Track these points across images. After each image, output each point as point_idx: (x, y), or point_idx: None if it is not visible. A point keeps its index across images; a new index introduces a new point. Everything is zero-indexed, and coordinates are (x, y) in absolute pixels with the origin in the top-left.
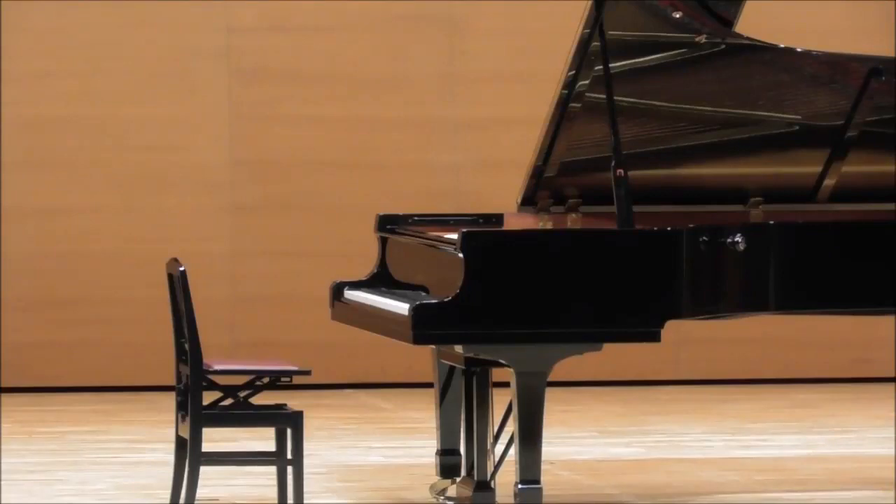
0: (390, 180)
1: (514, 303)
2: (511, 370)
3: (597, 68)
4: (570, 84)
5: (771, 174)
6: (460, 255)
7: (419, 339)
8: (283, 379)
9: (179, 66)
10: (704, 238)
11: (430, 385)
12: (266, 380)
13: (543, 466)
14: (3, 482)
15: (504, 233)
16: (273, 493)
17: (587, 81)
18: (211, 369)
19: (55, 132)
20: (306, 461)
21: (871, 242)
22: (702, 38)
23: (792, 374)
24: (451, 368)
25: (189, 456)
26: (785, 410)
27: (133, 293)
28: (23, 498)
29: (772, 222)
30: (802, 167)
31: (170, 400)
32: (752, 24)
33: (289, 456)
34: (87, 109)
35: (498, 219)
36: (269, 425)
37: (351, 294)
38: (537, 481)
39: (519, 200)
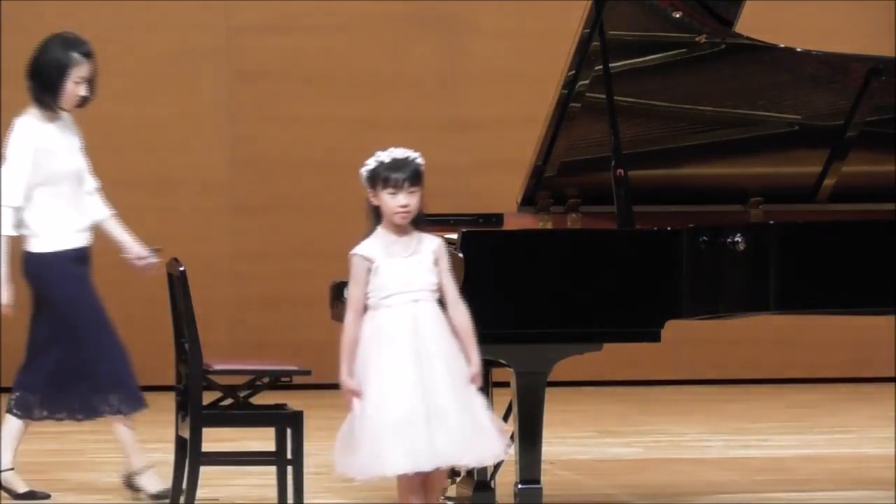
0: None
1: (514, 303)
2: (511, 370)
3: (597, 68)
4: (570, 84)
5: (771, 174)
6: (460, 255)
7: None
8: (283, 379)
9: (179, 66)
10: (704, 238)
11: None
12: (266, 380)
13: (543, 466)
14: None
15: (504, 233)
16: (273, 493)
17: (587, 81)
18: (211, 369)
19: None
20: (306, 461)
21: (871, 242)
22: (702, 38)
23: (792, 374)
24: None
25: (189, 456)
26: (785, 410)
27: (133, 293)
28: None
29: (772, 222)
30: (802, 167)
31: (170, 400)
32: (752, 24)
33: (289, 456)
34: (88, 109)
35: (498, 219)
36: (269, 425)
37: None
38: (537, 481)
39: (519, 200)
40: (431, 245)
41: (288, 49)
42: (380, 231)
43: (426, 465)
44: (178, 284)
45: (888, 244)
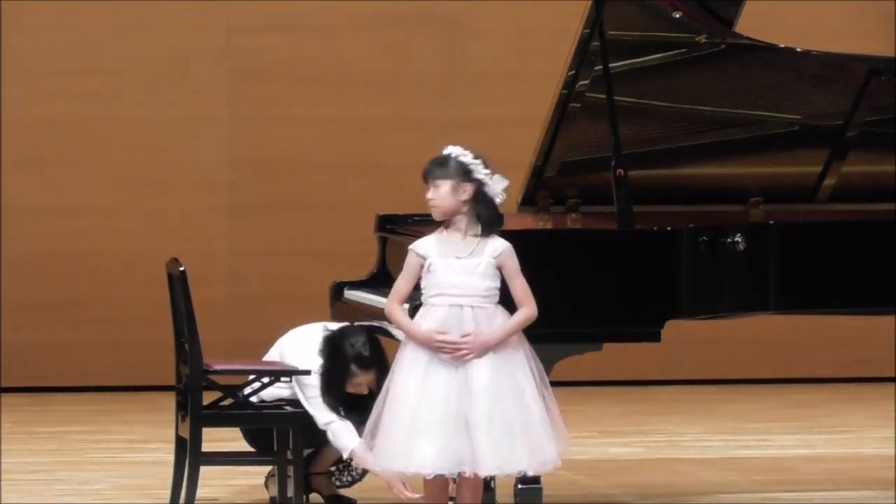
0: (390, 180)
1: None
2: None
3: (597, 68)
4: (570, 84)
5: (771, 174)
6: None
7: None
8: (283, 379)
9: (179, 66)
10: (704, 238)
11: None
12: (266, 380)
13: None
14: (3, 482)
15: (504, 233)
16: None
17: (587, 81)
18: (211, 369)
19: (55, 132)
20: None
21: (871, 242)
22: (702, 38)
23: (792, 374)
24: None
25: (189, 456)
26: (785, 410)
27: (133, 293)
28: (23, 498)
29: (772, 222)
30: (802, 167)
31: (170, 400)
32: (752, 24)
33: (289, 456)
34: (87, 109)
35: None
36: (269, 425)
37: (351, 294)
38: (537, 481)
39: (519, 200)
40: (494, 250)
41: (288, 49)
42: (440, 230)
43: (451, 468)
44: (177, 284)
45: (888, 244)
